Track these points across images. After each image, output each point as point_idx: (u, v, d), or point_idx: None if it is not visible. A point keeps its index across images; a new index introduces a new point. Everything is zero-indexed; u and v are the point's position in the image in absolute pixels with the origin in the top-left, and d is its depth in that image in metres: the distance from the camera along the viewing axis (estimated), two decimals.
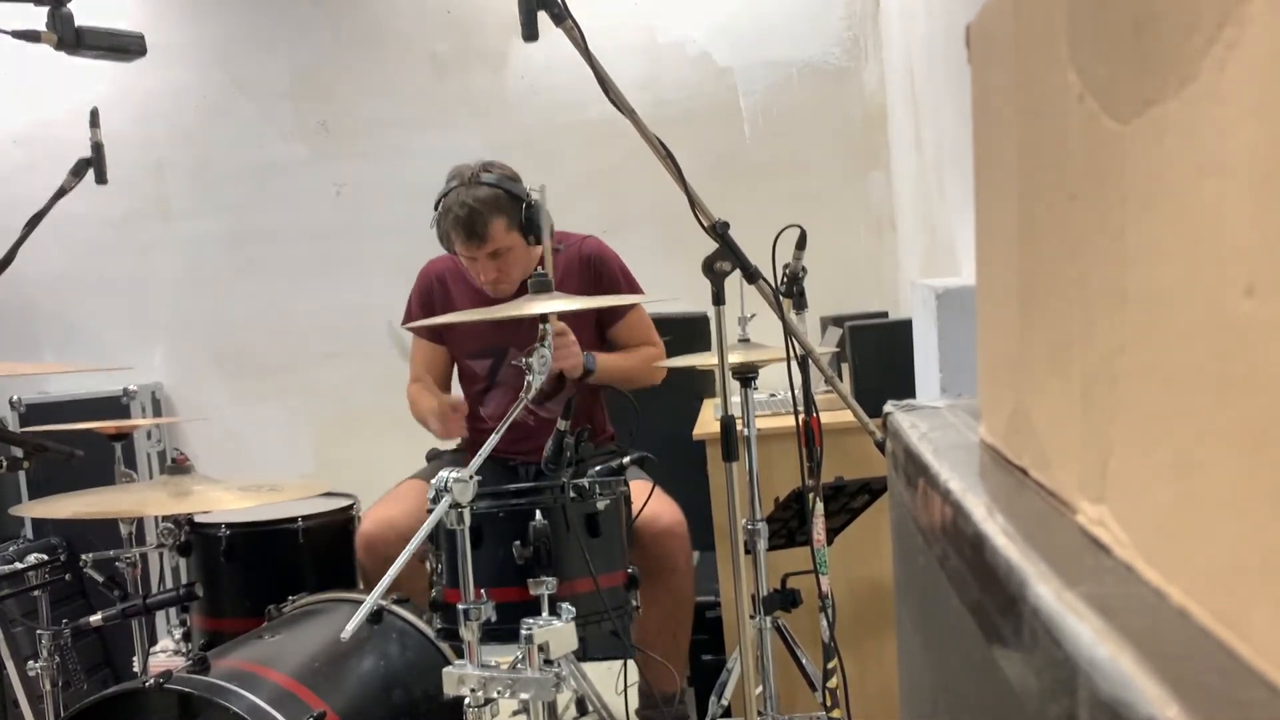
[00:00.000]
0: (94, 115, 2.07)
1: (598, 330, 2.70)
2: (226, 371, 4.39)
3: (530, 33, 1.75)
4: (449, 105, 4.22)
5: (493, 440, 1.80)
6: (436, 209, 2.51)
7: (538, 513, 1.92)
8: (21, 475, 3.73)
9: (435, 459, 2.81)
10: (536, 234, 2.45)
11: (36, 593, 2.31)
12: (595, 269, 2.65)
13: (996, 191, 0.65)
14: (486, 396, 2.74)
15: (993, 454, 0.66)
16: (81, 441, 2.05)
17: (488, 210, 2.42)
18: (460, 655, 1.79)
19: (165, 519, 2.31)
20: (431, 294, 2.74)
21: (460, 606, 1.74)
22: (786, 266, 2.08)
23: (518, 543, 1.90)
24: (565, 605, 1.81)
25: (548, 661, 1.72)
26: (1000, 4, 0.63)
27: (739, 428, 1.97)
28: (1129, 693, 0.32)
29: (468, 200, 2.42)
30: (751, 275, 1.88)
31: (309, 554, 2.41)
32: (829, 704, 2.11)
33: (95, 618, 2.02)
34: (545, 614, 1.79)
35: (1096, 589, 0.40)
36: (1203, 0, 0.35)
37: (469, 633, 1.73)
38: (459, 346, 2.75)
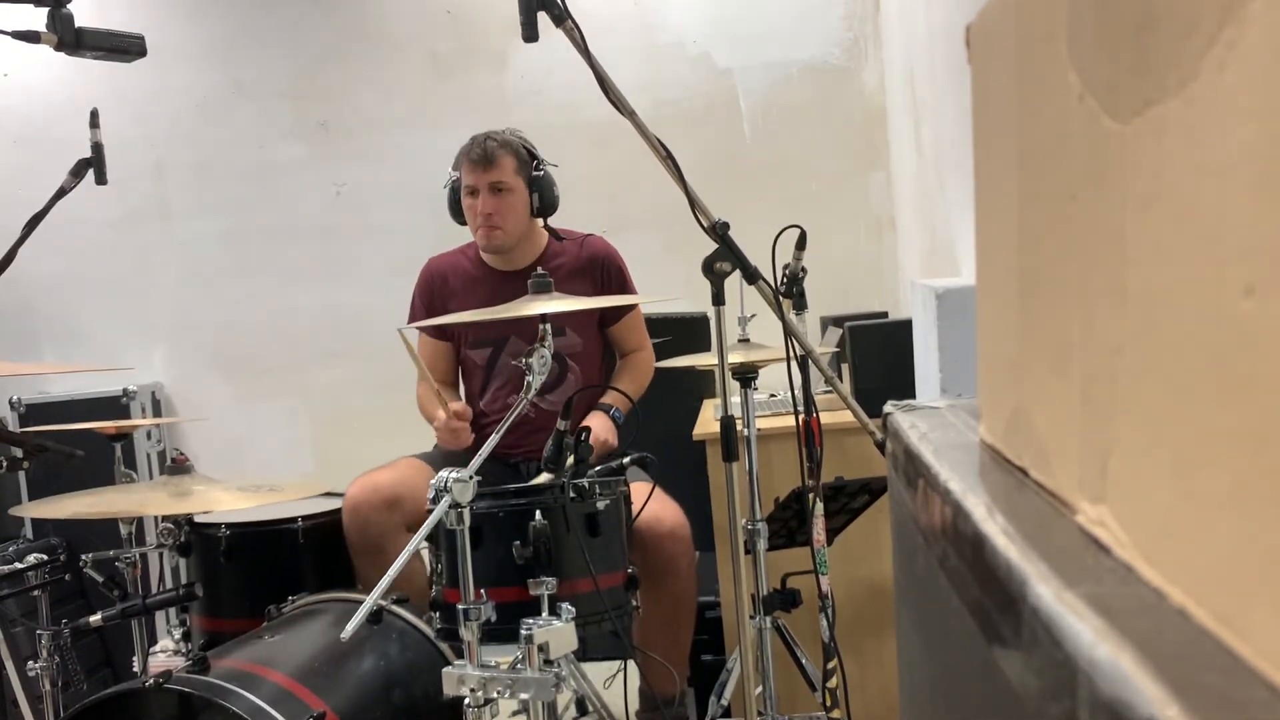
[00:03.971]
0: (94, 115, 2.07)
1: (599, 327, 2.73)
2: (226, 371, 4.39)
3: (530, 33, 1.75)
4: (449, 105, 4.22)
5: (493, 440, 1.80)
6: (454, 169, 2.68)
7: (538, 513, 1.92)
8: (21, 475, 3.72)
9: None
10: (542, 200, 2.63)
11: (36, 593, 2.31)
12: (603, 268, 2.70)
13: (996, 191, 0.65)
14: (485, 388, 2.75)
15: (993, 454, 0.66)
16: (81, 441, 2.05)
17: (502, 146, 2.62)
18: (460, 655, 1.79)
19: (165, 519, 2.31)
20: (433, 290, 2.76)
21: (460, 606, 1.74)
22: (786, 267, 2.08)
23: (518, 543, 1.89)
24: (565, 605, 1.81)
25: (548, 662, 1.72)
26: (1000, 4, 0.63)
27: (739, 428, 1.97)
28: (1129, 693, 0.32)
29: (486, 135, 2.64)
30: (751, 275, 1.88)
31: (309, 554, 2.41)
32: (829, 704, 2.11)
33: (95, 618, 2.01)
34: (545, 614, 1.79)
35: (1096, 589, 0.40)
36: (1203, 0, 0.35)
37: (469, 633, 1.73)
38: (460, 338, 2.77)
